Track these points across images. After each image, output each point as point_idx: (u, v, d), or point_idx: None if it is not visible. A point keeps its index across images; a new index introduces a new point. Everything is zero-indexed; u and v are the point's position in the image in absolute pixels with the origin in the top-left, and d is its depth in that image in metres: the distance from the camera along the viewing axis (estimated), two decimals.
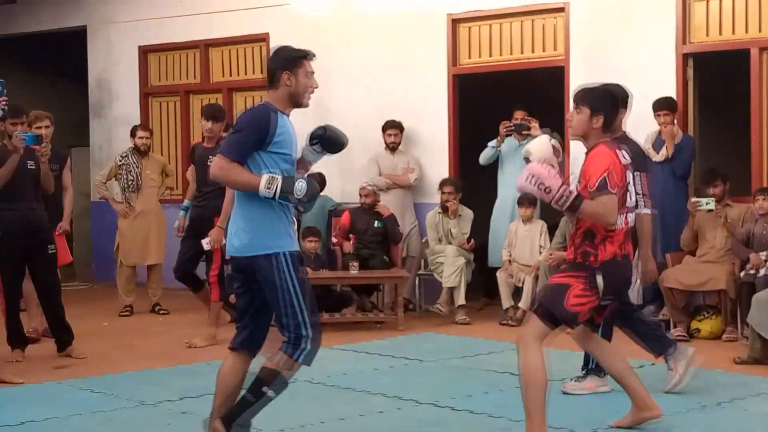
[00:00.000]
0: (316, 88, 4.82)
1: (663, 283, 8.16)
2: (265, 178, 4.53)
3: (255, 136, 4.57)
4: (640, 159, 5.99)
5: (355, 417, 5.66)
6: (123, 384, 6.62)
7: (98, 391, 6.39)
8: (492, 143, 9.44)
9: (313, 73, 4.79)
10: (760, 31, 8.53)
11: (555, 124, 8.35)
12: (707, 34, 8.76)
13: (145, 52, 12.03)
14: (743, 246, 7.93)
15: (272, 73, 4.72)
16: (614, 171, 4.95)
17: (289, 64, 4.72)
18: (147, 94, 12.08)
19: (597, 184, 4.90)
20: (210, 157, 7.35)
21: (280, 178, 4.55)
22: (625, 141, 5.72)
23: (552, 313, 4.91)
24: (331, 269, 9.36)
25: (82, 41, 12.47)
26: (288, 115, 4.75)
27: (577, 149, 6.55)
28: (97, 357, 7.55)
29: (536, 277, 8.78)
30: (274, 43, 10.90)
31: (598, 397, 6.11)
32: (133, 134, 10.06)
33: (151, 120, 11.93)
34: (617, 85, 5.72)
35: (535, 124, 9.07)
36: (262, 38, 11.12)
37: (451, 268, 9.19)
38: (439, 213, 9.55)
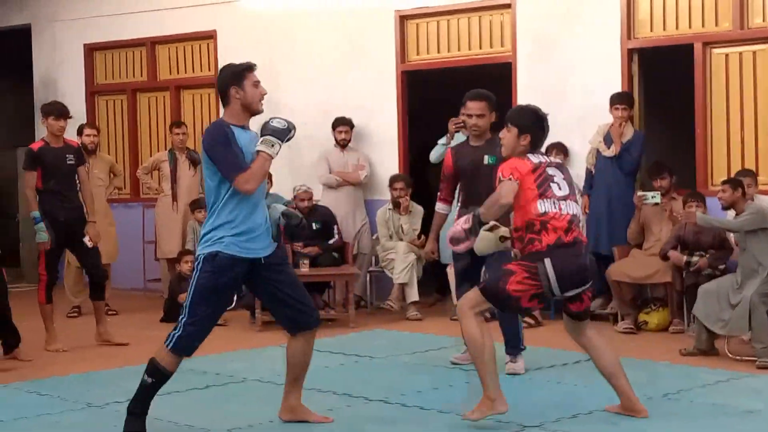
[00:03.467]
0: (265, 94, 5.18)
1: (610, 276, 8.25)
2: (262, 145, 5.01)
3: (233, 146, 5.00)
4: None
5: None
6: (70, 386, 6.55)
7: (45, 394, 6.31)
8: (442, 140, 9.43)
9: (259, 82, 5.14)
10: (703, 26, 8.64)
11: (503, 120, 8.37)
12: (651, 30, 8.86)
13: (91, 50, 11.91)
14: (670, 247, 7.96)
15: (222, 92, 5.15)
16: (518, 170, 5.27)
17: (234, 79, 5.12)
18: (93, 92, 11.96)
19: (499, 180, 5.29)
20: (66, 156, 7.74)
21: (268, 136, 5.03)
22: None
23: (493, 291, 5.23)
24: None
25: (27, 39, 12.31)
26: (246, 127, 5.16)
27: None
28: (44, 359, 7.47)
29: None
30: (222, 41, 10.93)
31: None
32: (80, 133, 9.94)
33: (98, 119, 11.81)
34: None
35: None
36: (210, 35, 11.06)
37: (402, 264, 9.21)
38: (390, 209, 9.56)
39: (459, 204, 6.85)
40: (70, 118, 8.20)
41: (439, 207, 6.95)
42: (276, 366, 7.02)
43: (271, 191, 10.24)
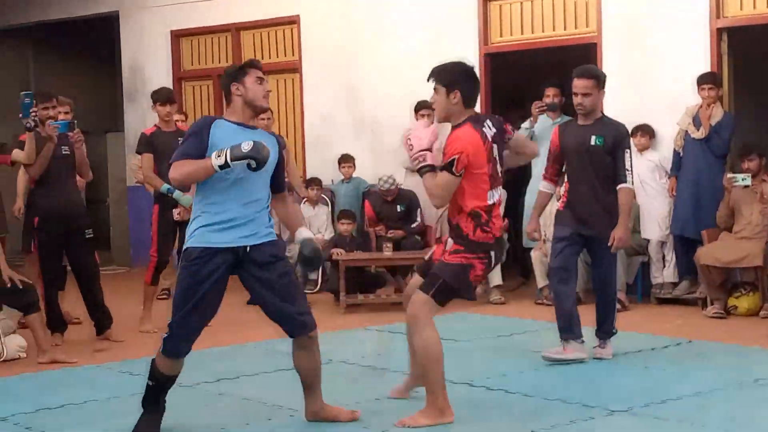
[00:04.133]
0: (269, 91, 5.04)
1: (699, 260, 8.11)
2: (213, 154, 4.74)
3: (197, 138, 4.84)
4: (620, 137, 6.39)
5: (391, 398, 5.67)
6: None
7: (137, 374, 6.43)
8: (526, 124, 9.37)
9: (263, 78, 4.98)
10: None
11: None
12: (741, 8, 8.64)
13: (177, 36, 12.09)
14: None
15: (225, 91, 5.02)
16: (470, 153, 4.97)
17: (234, 77, 4.98)
18: (180, 78, 12.14)
19: (445, 162, 4.98)
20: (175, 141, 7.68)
21: (229, 149, 4.71)
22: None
23: (456, 289, 5.10)
24: (365, 251, 9.39)
25: (115, 26, 12.54)
26: (249, 125, 4.97)
27: None
28: (136, 340, 7.63)
29: None
30: (305, 26, 11.00)
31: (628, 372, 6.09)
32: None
33: (184, 104, 11.98)
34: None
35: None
36: (294, 21, 11.13)
37: None
38: None
39: (566, 185, 6.66)
40: (175, 103, 8.35)
41: (543, 186, 6.76)
42: (361, 348, 7.08)
43: (354, 175, 10.35)
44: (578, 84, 6.45)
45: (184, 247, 4.97)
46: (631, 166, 6.38)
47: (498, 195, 5.18)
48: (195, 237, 4.89)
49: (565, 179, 6.72)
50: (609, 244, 6.34)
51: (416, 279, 5.43)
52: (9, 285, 6.75)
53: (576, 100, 6.49)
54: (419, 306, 5.12)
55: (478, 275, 5.16)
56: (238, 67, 5.03)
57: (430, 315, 5.10)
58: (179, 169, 4.82)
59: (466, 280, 5.09)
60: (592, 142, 6.39)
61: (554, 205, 9.06)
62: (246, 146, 4.69)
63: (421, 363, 5.14)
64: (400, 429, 5.03)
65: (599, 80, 6.51)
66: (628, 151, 6.38)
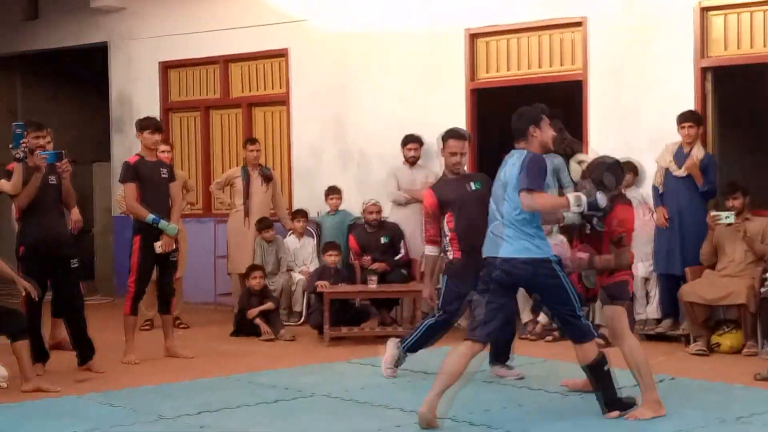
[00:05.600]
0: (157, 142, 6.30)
1: (683, 297, 8.15)
2: (572, 197, 5.73)
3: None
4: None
5: (373, 431, 5.67)
6: (142, 398, 6.66)
7: (118, 405, 6.43)
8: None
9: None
10: None
11: (574, 137, 8.36)
12: (725, 48, 8.74)
13: (165, 67, 12.13)
14: None
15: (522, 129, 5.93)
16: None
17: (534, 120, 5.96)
18: (168, 109, 12.17)
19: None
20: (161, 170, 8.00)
21: (582, 195, 5.73)
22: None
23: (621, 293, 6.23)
24: (350, 283, 9.39)
25: (104, 57, 12.59)
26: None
27: None
28: (117, 371, 7.60)
29: None
30: (294, 59, 11.06)
31: None
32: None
33: (172, 135, 12.01)
34: None
35: None
36: (282, 54, 11.20)
37: None
38: None
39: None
40: (162, 132, 8.38)
41: (430, 250, 7.09)
42: (344, 381, 7.07)
43: (341, 208, 10.37)
44: (456, 144, 6.98)
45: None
46: None
47: None
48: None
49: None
50: None
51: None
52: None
53: (455, 159, 6.98)
54: (617, 318, 6.03)
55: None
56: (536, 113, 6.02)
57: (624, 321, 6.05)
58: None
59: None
60: (473, 188, 6.93)
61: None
62: (601, 200, 5.76)
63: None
64: (631, 421, 5.79)
65: (468, 140, 7.23)
66: None
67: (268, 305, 9.39)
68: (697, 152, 8.41)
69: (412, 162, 9.98)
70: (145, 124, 8.18)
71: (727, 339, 8.09)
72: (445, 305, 6.95)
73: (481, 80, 10.04)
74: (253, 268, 9.69)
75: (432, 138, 10.06)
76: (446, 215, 6.93)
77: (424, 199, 7.16)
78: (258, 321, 9.22)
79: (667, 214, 8.50)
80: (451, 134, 7.05)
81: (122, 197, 10.30)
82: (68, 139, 13.15)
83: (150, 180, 7.98)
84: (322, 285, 9.03)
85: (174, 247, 8.06)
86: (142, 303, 9.94)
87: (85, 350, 7.58)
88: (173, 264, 8.21)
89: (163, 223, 7.84)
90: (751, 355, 7.84)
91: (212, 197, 11.29)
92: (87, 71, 13.18)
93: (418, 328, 7.19)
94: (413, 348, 7.18)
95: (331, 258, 9.52)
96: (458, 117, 10.03)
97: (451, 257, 6.93)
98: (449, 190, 6.99)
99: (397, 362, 7.21)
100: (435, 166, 10.14)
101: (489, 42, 9.99)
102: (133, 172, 7.98)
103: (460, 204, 6.90)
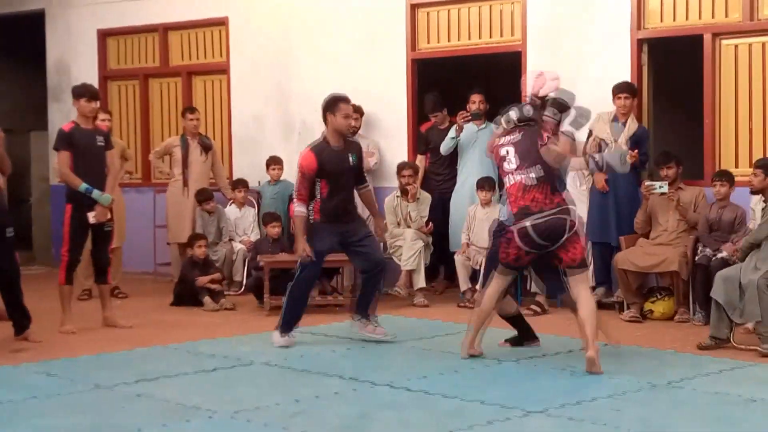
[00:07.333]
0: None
1: (617, 265, 8.29)
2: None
3: None
4: None
5: (311, 399, 5.71)
6: (79, 367, 6.64)
7: (54, 375, 6.39)
8: (451, 134, 9.48)
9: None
10: (713, 16, 8.64)
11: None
12: (661, 20, 8.86)
13: (103, 35, 11.98)
14: (707, 234, 7.98)
15: None
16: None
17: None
18: (106, 77, 12.03)
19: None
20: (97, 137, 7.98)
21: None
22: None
23: None
24: (290, 253, 9.39)
25: (41, 25, 12.38)
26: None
27: None
28: (54, 341, 7.55)
29: None
30: (234, 27, 10.98)
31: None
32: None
33: (110, 103, 11.88)
34: None
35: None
36: (222, 22, 11.11)
37: (409, 251, 9.26)
38: (398, 197, 9.61)
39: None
40: (99, 100, 8.26)
41: (303, 209, 7.17)
42: (283, 350, 7.10)
43: (282, 178, 10.35)
44: (348, 107, 7.32)
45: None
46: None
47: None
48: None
49: None
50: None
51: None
52: None
53: (349, 121, 7.46)
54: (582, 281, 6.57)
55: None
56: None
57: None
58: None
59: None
60: (351, 162, 7.21)
61: (478, 209, 9.22)
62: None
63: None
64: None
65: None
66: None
67: (217, 275, 9.38)
68: (631, 125, 8.50)
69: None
70: (81, 92, 8.07)
71: (660, 306, 8.26)
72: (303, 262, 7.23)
73: (422, 50, 10.06)
74: (196, 236, 9.65)
75: (372, 108, 10.13)
76: (321, 181, 7.12)
77: (302, 160, 7.18)
78: (206, 289, 9.16)
79: (601, 181, 8.61)
80: (341, 98, 7.28)
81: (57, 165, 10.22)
82: (5, 108, 12.99)
83: (85, 148, 7.89)
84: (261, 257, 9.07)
85: (108, 217, 7.98)
86: (80, 272, 9.89)
87: (21, 320, 7.51)
88: (108, 234, 8.13)
89: (96, 193, 7.76)
90: (683, 321, 8.01)
91: (151, 166, 11.21)
92: (24, 39, 12.95)
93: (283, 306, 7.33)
94: (288, 325, 7.25)
95: (274, 229, 9.55)
96: (399, 87, 10.08)
97: (311, 218, 7.16)
98: (331, 160, 7.13)
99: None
100: (375, 136, 10.18)
101: (430, 12, 10.01)
102: (67, 139, 7.87)
103: (337, 176, 7.13)
